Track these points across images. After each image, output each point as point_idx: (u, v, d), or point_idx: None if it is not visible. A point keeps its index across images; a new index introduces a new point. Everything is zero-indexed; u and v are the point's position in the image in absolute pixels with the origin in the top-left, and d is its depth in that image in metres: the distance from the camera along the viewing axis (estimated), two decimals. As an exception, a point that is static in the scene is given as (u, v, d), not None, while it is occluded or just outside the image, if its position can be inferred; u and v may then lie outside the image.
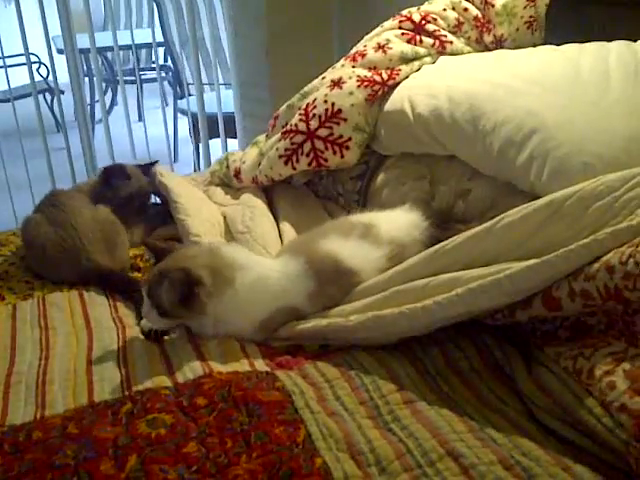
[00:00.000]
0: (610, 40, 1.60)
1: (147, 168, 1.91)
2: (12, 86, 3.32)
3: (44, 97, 4.85)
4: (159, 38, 4.11)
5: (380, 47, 1.79)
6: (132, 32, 3.37)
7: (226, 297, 1.28)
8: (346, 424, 1.04)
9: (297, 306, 1.31)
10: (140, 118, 5.06)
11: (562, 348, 1.09)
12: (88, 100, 4.06)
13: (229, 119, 3.11)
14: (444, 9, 1.87)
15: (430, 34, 1.82)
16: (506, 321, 1.18)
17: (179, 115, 4.52)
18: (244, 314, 1.30)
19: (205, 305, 1.27)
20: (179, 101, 4.41)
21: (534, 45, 1.80)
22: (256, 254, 1.51)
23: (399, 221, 1.44)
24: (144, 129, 3.29)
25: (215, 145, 3.24)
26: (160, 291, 1.26)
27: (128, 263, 1.66)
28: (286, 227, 1.72)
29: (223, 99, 3.21)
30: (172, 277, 1.25)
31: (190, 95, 4.15)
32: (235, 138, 3.13)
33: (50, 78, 4.55)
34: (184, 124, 4.10)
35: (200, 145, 3.43)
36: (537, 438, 1.00)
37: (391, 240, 1.38)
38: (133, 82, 4.83)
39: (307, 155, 1.74)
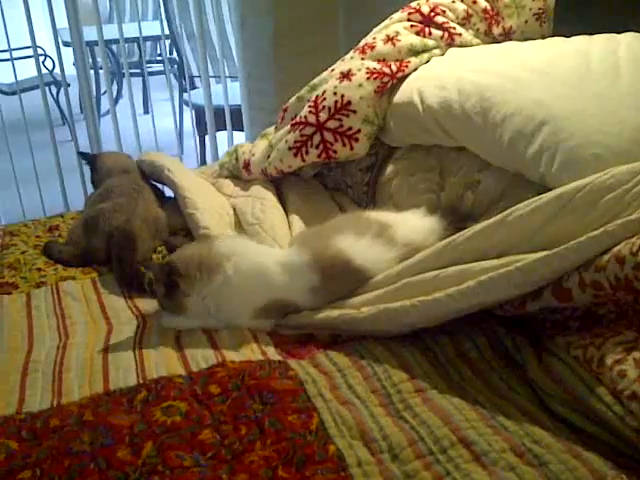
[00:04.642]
0: (620, 32, 1.61)
1: None
2: (18, 79, 3.32)
3: (49, 90, 4.86)
4: (165, 31, 4.11)
5: (389, 39, 1.80)
6: (140, 25, 3.37)
7: (216, 284, 1.31)
8: (359, 412, 1.06)
9: (295, 301, 1.32)
10: (145, 111, 5.07)
11: (572, 337, 1.10)
12: (94, 93, 4.05)
13: (234, 111, 3.12)
14: (453, 1, 1.87)
15: (439, 26, 1.83)
16: (516, 312, 1.19)
17: (185, 108, 4.52)
18: (239, 301, 1.32)
19: (185, 294, 1.31)
20: (184, 94, 4.41)
21: (543, 37, 1.80)
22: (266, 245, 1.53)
23: (417, 225, 1.42)
24: (152, 122, 3.30)
25: (220, 138, 3.24)
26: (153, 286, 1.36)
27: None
28: (295, 219, 1.73)
29: (228, 92, 3.21)
30: (153, 271, 1.36)
31: (195, 88, 4.15)
32: (239, 130, 3.13)
33: (56, 71, 4.56)
34: (189, 116, 4.10)
35: (206, 138, 3.43)
36: (548, 426, 1.01)
37: (407, 243, 1.36)
38: (138, 75, 4.84)
39: (316, 147, 1.75)
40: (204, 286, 1.32)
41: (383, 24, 1.89)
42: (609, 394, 0.98)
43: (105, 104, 5.07)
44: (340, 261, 1.33)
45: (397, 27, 1.83)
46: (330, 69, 1.86)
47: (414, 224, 1.43)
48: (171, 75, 5.00)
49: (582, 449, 0.95)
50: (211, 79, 3.48)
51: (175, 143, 3.68)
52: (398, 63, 1.76)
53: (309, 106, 1.78)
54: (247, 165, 1.94)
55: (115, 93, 5.35)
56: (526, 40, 1.78)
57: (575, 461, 0.93)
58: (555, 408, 1.05)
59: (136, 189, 1.80)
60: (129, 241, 1.62)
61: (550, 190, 1.21)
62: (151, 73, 4.68)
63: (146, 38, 5.18)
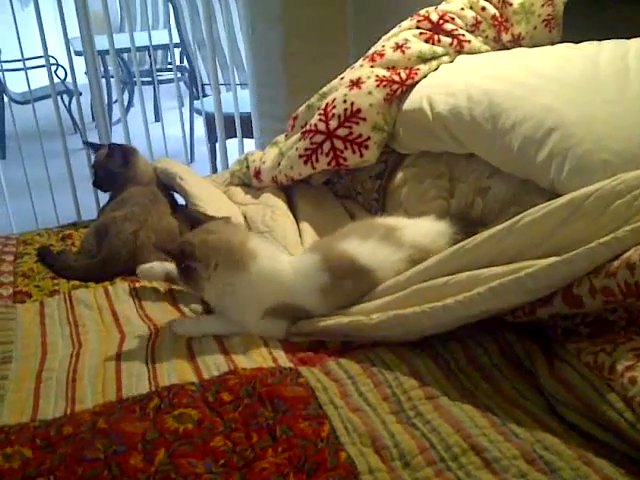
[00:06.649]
0: (628, 37, 1.61)
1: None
2: (30, 88, 3.35)
3: (62, 99, 4.90)
4: (175, 39, 4.14)
5: (398, 47, 1.81)
6: (150, 33, 3.39)
7: (237, 279, 1.31)
8: (370, 419, 1.06)
9: (304, 305, 1.32)
10: (156, 119, 5.10)
11: (583, 344, 1.10)
12: (105, 101, 4.09)
13: (244, 119, 3.13)
14: (462, 8, 1.88)
15: (448, 33, 1.83)
16: (527, 318, 1.19)
17: (196, 115, 4.55)
18: (251, 300, 1.32)
19: (202, 281, 1.31)
20: (195, 101, 4.44)
21: (552, 43, 1.80)
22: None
23: (425, 227, 1.43)
24: (162, 129, 3.32)
25: (231, 145, 3.26)
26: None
27: None
28: (306, 226, 1.73)
29: (239, 99, 3.23)
30: (170, 249, 1.33)
31: (206, 95, 4.18)
32: (250, 138, 3.15)
33: (68, 80, 4.60)
34: (200, 124, 4.12)
35: (217, 145, 3.45)
36: (559, 433, 1.01)
37: (413, 244, 1.36)
38: (149, 83, 4.88)
39: (327, 155, 1.76)
40: (222, 277, 1.31)
41: (392, 32, 1.90)
42: (620, 401, 0.98)
43: (116, 112, 5.11)
44: (346, 261, 1.33)
45: (406, 35, 1.84)
46: (340, 77, 1.87)
47: (422, 227, 1.43)
48: (181, 83, 5.05)
49: (593, 456, 0.95)
50: (221, 87, 3.50)
51: (185, 151, 3.69)
52: (407, 70, 1.77)
53: (319, 114, 1.79)
54: (258, 173, 1.96)
55: (126, 101, 5.38)
56: (535, 46, 1.78)
57: (587, 468, 0.93)
58: (566, 415, 1.05)
59: (152, 200, 1.81)
60: (133, 253, 1.66)
61: (560, 196, 1.21)
62: (162, 81, 4.71)
63: (157, 47, 5.22)
